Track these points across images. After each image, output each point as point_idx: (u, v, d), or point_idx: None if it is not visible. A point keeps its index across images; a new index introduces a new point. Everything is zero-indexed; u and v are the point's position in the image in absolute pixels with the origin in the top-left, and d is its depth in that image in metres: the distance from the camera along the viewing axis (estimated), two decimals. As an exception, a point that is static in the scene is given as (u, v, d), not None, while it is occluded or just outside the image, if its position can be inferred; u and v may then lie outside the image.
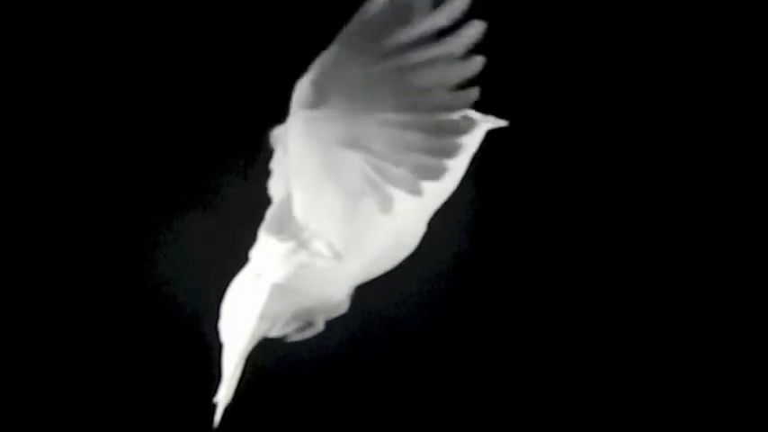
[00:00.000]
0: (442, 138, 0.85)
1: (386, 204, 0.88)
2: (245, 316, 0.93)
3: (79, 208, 1.21)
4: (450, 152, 0.85)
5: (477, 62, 0.82)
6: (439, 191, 0.95)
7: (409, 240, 0.95)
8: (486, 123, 0.96)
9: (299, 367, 1.17)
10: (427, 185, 0.90)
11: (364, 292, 0.98)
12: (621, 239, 1.21)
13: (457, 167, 0.95)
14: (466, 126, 0.91)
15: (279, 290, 0.93)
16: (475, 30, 0.81)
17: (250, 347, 0.94)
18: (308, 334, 0.96)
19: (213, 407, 0.94)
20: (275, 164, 0.98)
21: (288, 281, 0.93)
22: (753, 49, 1.20)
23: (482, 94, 0.85)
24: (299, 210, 0.91)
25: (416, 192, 0.87)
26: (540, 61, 1.20)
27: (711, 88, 1.21)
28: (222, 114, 1.18)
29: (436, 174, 0.86)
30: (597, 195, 1.21)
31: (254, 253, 0.96)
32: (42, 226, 1.21)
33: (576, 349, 1.21)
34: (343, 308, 0.97)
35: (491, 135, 0.97)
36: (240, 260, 0.97)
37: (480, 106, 0.94)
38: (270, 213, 0.95)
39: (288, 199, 0.92)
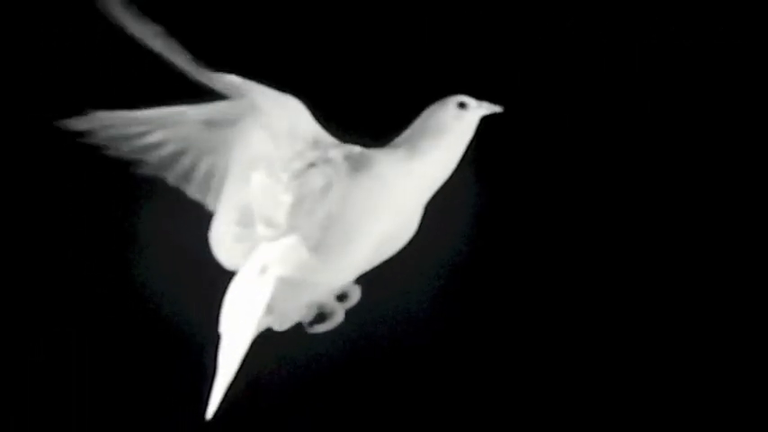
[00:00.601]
0: None
1: None
2: (249, 309, 0.92)
3: (65, 208, 1.20)
4: None
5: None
6: (434, 175, 0.95)
7: (407, 225, 0.95)
8: (481, 110, 0.96)
9: (301, 367, 1.17)
10: (421, 170, 0.93)
11: (365, 290, 0.97)
12: (623, 229, 1.21)
13: (450, 153, 0.95)
14: None
15: (284, 283, 0.92)
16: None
17: (251, 339, 0.93)
18: (330, 325, 0.96)
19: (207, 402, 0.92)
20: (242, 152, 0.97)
21: (293, 273, 0.92)
22: (751, 49, 1.20)
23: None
24: (283, 200, 0.93)
25: None
26: (542, 51, 1.20)
27: (710, 75, 1.21)
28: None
29: None
30: (600, 187, 1.21)
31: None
32: (29, 227, 1.21)
33: (580, 346, 1.20)
34: (356, 295, 0.97)
35: (493, 126, 0.97)
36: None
37: (480, 95, 0.95)
38: (239, 203, 0.95)
39: (266, 190, 0.93)
